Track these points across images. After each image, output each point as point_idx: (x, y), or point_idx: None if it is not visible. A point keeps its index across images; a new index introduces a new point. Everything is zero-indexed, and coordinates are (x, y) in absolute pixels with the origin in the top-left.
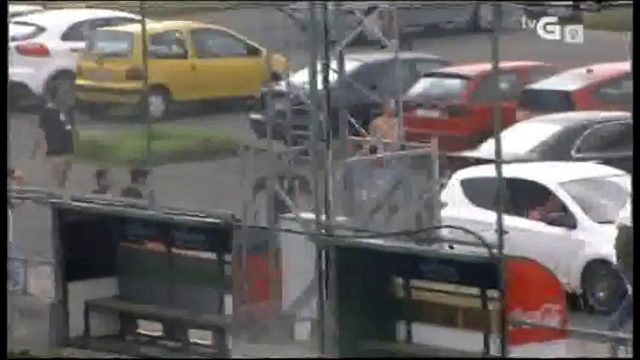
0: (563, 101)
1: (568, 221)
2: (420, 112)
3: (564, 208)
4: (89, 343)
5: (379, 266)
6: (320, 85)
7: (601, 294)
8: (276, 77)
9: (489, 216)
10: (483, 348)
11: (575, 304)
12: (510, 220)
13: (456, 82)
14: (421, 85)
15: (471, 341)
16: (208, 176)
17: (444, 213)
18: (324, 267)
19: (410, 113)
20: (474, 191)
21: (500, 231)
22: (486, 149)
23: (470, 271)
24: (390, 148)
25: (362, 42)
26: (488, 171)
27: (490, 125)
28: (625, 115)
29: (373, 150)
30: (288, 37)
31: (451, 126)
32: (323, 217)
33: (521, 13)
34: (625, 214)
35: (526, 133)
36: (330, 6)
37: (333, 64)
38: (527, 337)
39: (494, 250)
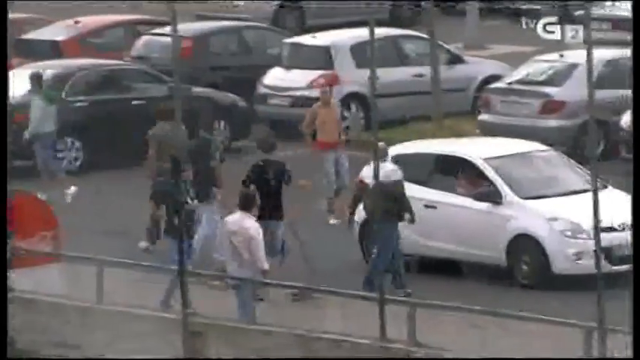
0: (53, 50)
1: (494, 197)
2: None
3: (490, 183)
4: None
5: None
6: None
7: (525, 268)
8: None
9: (419, 190)
10: None
11: (500, 278)
12: (438, 195)
13: None
14: None
15: None
16: None
17: None
18: None
19: None
20: (404, 166)
21: None
22: None
23: None
24: None
25: None
26: (418, 147)
27: None
28: (108, 62)
29: None
30: None
31: None
32: None
33: None
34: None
35: (19, 80)
36: None
37: None
38: (24, 261)
39: None
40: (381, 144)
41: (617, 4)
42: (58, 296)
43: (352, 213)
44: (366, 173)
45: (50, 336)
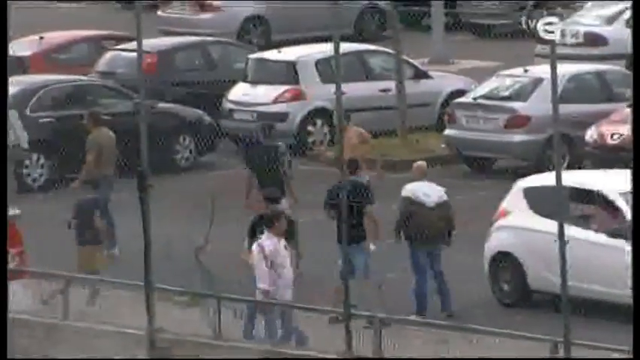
0: (18, 66)
1: (629, 233)
2: None
3: (627, 219)
4: None
5: None
6: None
7: None
8: None
9: (551, 225)
10: None
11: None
12: (571, 230)
13: None
14: None
15: None
16: None
17: (506, 222)
18: None
19: None
20: (536, 200)
21: None
22: None
23: None
24: None
25: None
26: (549, 179)
27: None
28: (73, 77)
29: None
30: None
31: None
32: None
33: None
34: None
35: None
36: None
37: None
38: None
39: None
40: (421, 163)
41: (581, 19)
42: (23, 312)
43: (400, 232)
44: (416, 192)
45: (15, 351)
